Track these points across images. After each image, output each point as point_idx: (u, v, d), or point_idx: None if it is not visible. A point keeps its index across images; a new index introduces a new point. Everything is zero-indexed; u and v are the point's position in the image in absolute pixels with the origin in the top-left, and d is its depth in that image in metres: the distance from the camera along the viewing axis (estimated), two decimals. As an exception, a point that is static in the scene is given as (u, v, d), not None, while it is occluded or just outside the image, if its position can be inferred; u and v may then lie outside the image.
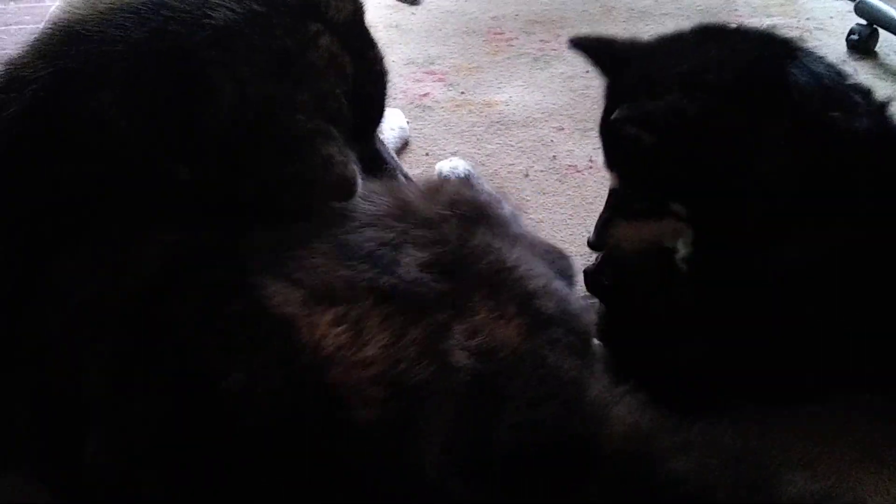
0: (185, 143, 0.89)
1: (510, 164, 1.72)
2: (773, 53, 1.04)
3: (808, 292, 1.00)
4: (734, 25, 1.13)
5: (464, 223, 0.98)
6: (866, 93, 1.05)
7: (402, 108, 1.84)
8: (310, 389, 0.78)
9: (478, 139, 1.80)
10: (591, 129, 1.42)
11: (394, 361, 0.79)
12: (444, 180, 1.14)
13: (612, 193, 1.19)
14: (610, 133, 1.12)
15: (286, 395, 0.78)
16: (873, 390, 1.12)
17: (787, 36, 1.12)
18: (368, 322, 0.81)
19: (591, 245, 1.20)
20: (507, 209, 1.22)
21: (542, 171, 1.70)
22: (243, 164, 0.93)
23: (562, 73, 2.01)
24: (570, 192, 1.63)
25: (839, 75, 1.05)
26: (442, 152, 1.75)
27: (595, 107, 1.27)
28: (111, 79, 0.87)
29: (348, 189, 0.97)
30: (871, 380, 1.10)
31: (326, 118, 0.98)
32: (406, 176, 1.21)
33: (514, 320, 0.88)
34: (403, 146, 1.74)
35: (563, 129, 1.80)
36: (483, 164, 1.71)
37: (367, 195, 1.00)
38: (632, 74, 1.11)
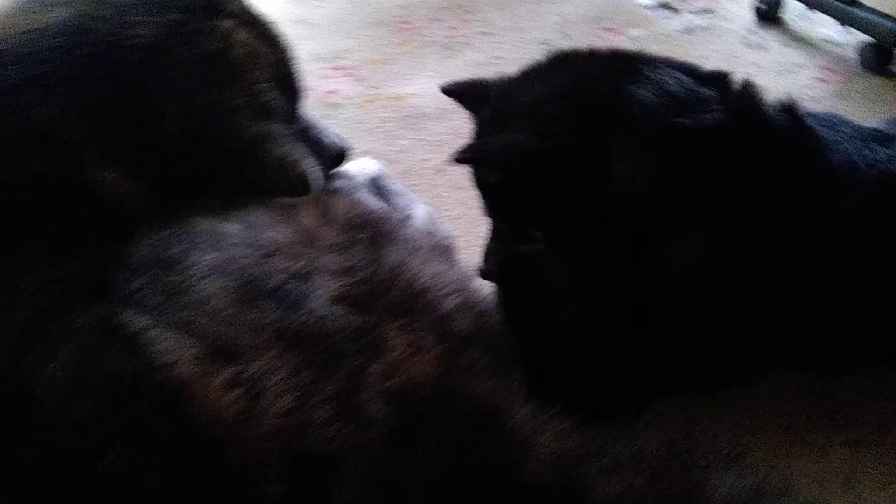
0: (139, 165, 0.89)
1: (424, 160, 1.68)
2: (612, 72, 1.01)
3: (700, 288, 1.00)
4: (588, 49, 1.09)
5: (372, 244, 0.94)
6: (722, 83, 1.03)
7: (310, 108, 1.76)
8: (208, 469, 0.73)
9: (390, 135, 1.76)
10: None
11: (302, 427, 0.74)
12: (333, 195, 1.07)
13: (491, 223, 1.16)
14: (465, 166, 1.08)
15: (180, 477, 0.72)
16: (788, 368, 1.13)
17: (634, 52, 1.08)
18: (272, 380, 0.76)
19: (482, 274, 1.14)
20: (420, 211, 1.18)
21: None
22: (196, 181, 0.93)
23: (472, 60, 1.97)
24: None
25: (689, 76, 1.03)
26: (353, 152, 1.68)
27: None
28: (53, 104, 0.86)
29: (304, 186, 1.01)
30: (780, 360, 1.10)
31: (266, 115, 0.98)
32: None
33: (431, 351, 0.84)
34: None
35: (476, 120, 1.76)
36: (396, 162, 1.66)
37: (270, 220, 0.94)
38: (488, 110, 1.08)
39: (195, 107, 0.91)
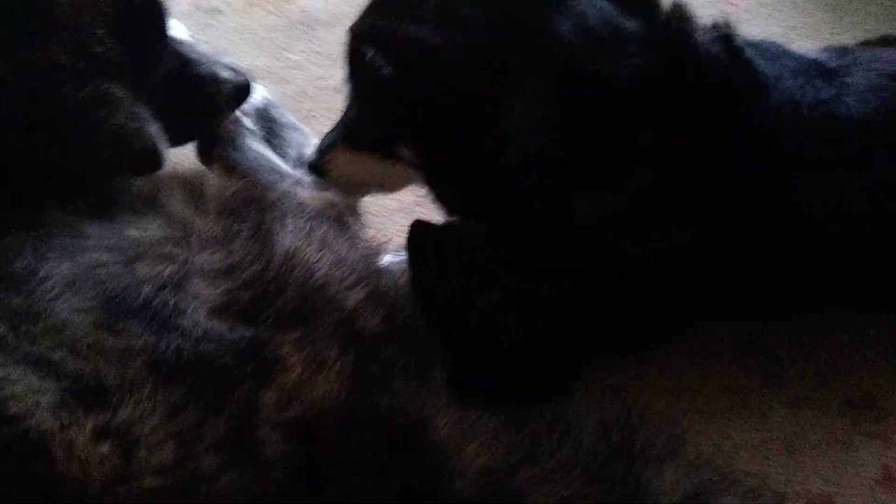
0: None
1: (319, 78, 1.50)
2: None
3: (606, 243, 0.93)
4: None
5: (256, 232, 0.79)
6: (650, 8, 0.91)
7: (185, 16, 1.54)
8: None
9: (278, 46, 1.56)
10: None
11: (188, 484, 0.62)
12: (198, 174, 0.91)
13: (345, 112, 1.02)
14: (350, 46, 0.94)
15: None
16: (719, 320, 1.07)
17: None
18: (145, 427, 0.63)
19: (311, 165, 1.05)
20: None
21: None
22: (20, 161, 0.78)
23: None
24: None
25: (613, 14, 0.90)
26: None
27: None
28: None
29: (153, 159, 0.85)
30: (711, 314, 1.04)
31: (100, 72, 0.81)
32: None
33: (335, 366, 0.72)
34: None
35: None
36: (287, 81, 1.49)
37: (132, 212, 0.78)
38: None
39: (8, 68, 0.75)
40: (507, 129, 0.86)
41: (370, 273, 0.82)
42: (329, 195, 1.00)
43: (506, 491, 0.74)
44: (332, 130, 1.05)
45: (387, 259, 1.04)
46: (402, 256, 1.05)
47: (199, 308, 0.70)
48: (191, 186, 0.82)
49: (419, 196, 1.17)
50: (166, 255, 0.73)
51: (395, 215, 1.24)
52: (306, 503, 0.66)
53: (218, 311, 0.71)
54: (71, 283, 0.69)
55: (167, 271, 0.72)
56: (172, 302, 0.70)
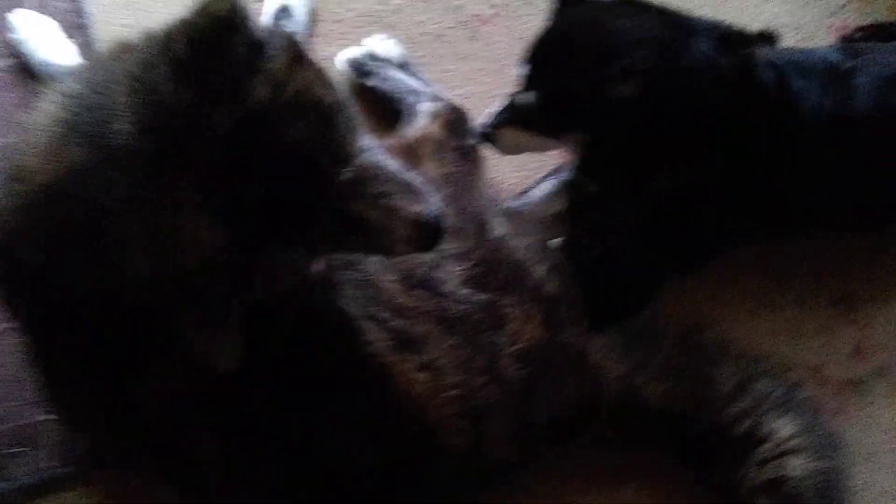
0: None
1: (420, 23, 1.76)
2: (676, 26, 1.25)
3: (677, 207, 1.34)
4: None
5: (475, 223, 1.19)
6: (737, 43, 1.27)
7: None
8: (411, 429, 1.05)
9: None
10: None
11: (470, 394, 1.06)
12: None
13: (517, 97, 1.32)
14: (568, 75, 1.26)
15: (392, 440, 1.04)
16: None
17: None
18: (443, 361, 1.06)
19: (483, 135, 1.36)
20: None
21: (451, 27, 1.77)
22: None
23: None
24: (486, 54, 1.75)
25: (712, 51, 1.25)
26: (347, 14, 1.76)
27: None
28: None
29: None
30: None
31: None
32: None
33: (537, 317, 1.14)
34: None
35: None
36: (394, 27, 1.73)
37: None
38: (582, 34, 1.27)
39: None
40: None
41: (545, 252, 1.23)
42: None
43: (632, 390, 1.20)
44: (503, 112, 1.35)
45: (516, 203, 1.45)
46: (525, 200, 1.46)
47: (453, 280, 1.11)
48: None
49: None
50: None
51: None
52: (530, 402, 1.11)
53: (464, 282, 1.12)
54: (380, 264, 1.09)
55: (430, 256, 1.11)
56: (437, 276, 1.11)
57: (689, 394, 1.24)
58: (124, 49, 0.84)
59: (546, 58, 1.30)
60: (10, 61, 1.61)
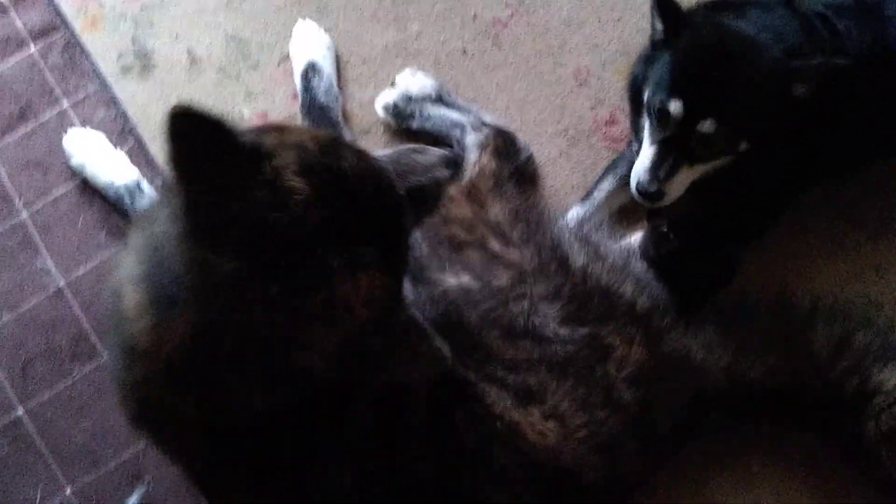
0: None
1: (443, 42, 1.79)
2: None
3: None
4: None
5: (554, 256, 1.24)
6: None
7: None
8: (553, 478, 1.13)
9: (395, 16, 1.81)
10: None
11: (596, 429, 1.13)
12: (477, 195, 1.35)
13: (696, 132, 1.27)
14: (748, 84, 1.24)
15: (538, 491, 1.12)
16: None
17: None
18: (564, 406, 1.13)
19: (648, 195, 1.32)
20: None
21: (473, 39, 1.79)
22: None
23: None
24: (513, 58, 1.77)
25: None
26: (371, 52, 1.79)
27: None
28: None
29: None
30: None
31: None
32: None
33: (636, 337, 1.20)
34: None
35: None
36: (419, 54, 1.76)
37: (481, 264, 1.22)
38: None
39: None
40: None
41: (627, 269, 1.28)
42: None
43: (739, 376, 1.26)
44: (660, 156, 1.30)
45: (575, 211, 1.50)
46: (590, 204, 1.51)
47: (551, 322, 1.17)
48: (484, 215, 1.28)
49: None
50: (519, 295, 1.19)
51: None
52: (650, 416, 1.17)
53: (562, 322, 1.18)
54: (484, 321, 1.16)
55: (525, 305, 1.18)
56: (536, 321, 1.17)
57: (793, 365, 1.29)
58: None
59: (707, 81, 1.25)
60: (76, 181, 1.70)
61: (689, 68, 1.26)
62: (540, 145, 1.65)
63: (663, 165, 1.31)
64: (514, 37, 1.77)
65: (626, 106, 1.65)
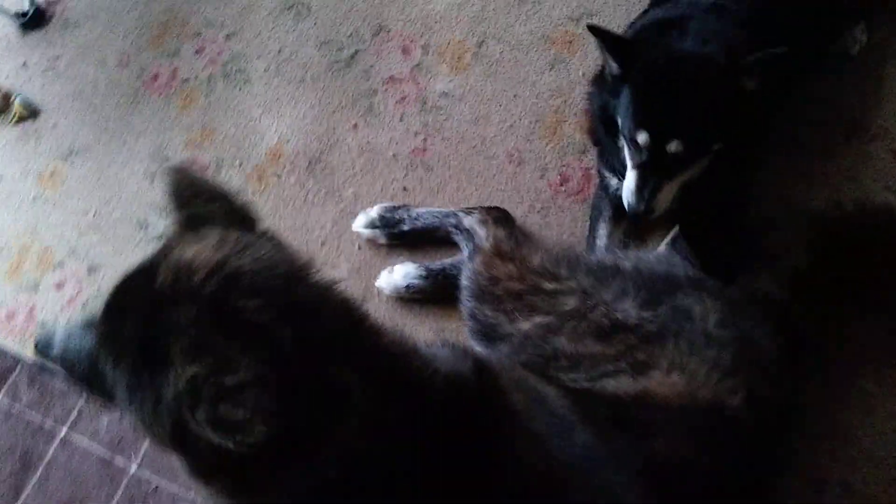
0: None
1: (381, 190, 1.87)
2: None
3: None
4: None
5: (612, 266, 1.34)
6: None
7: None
8: (703, 420, 1.15)
9: (325, 192, 1.89)
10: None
11: (714, 364, 1.18)
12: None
13: (668, 152, 1.35)
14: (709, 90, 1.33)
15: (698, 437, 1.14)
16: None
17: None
18: (677, 359, 1.19)
19: (640, 214, 1.42)
20: None
21: (404, 175, 1.87)
22: None
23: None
24: (450, 172, 1.85)
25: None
26: (318, 232, 1.83)
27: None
28: None
29: None
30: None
31: None
32: None
33: (704, 297, 1.28)
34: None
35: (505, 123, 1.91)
36: (366, 209, 1.82)
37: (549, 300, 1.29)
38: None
39: None
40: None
41: (669, 257, 1.39)
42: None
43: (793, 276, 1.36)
44: (643, 178, 1.40)
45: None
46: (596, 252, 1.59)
47: (633, 312, 1.24)
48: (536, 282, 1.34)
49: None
50: (593, 305, 1.27)
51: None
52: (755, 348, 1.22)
53: (641, 308, 1.24)
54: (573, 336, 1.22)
55: (602, 309, 1.26)
56: (620, 317, 1.24)
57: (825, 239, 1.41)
58: None
59: (667, 107, 1.34)
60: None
61: (648, 100, 1.36)
62: (520, 227, 1.73)
63: (647, 186, 1.40)
64: (439, 156, 1.88)
65: (568, 161, 1.78)
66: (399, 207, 1.74)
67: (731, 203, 1.55)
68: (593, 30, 1.37)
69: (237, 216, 0.98)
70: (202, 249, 0.88)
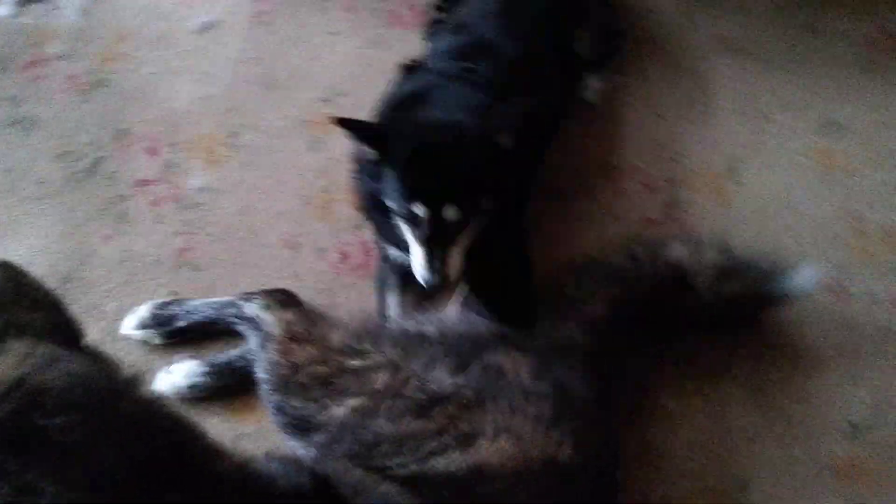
0: None
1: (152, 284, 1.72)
2: None
3: None
4: None
5: (409, 341, 1.32)
6: None
7: None
8: (536, 471, 1.16)
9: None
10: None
11: (537, 418, 1.20)
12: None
13: (445, 221, 1.38)
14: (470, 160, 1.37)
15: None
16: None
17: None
18: (500, 422, 1.18)
19: (433, 287, 1.41)
20: None
21: (171, 280, 1.74)
22: None
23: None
24: (224, 267, 1.75)
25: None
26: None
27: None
28: None
29: None
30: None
31: None
32: None
33: (510, 351, 1.30)
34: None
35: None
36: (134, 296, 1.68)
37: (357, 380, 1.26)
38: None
39: None
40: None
41: (466, 317, 1.39)
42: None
43: (596, 322, 1.44)
44: (432, 252, 1.39)
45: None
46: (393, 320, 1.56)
47: (446, 380, 1.22)
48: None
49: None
50: (404, 379, 1.24)
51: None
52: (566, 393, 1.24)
53: (452, 374, 1.23)
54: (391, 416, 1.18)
55: (415, 382, 1.23)
56: (435, 387, 1.22)
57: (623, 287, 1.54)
58: None
59: (432, 178, 1.36)
60: None
61: (413, 175, 1.37)
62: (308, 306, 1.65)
63: (435, 257, 1.41)
64: (206, 253, 1.78)
65: (344, 237, 1.75)
66: (171, 303, 1.60)
67: (511, 254, 1.59)
68: (342, 123, 1.39)
69: (59, 329, 0.88)
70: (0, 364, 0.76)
